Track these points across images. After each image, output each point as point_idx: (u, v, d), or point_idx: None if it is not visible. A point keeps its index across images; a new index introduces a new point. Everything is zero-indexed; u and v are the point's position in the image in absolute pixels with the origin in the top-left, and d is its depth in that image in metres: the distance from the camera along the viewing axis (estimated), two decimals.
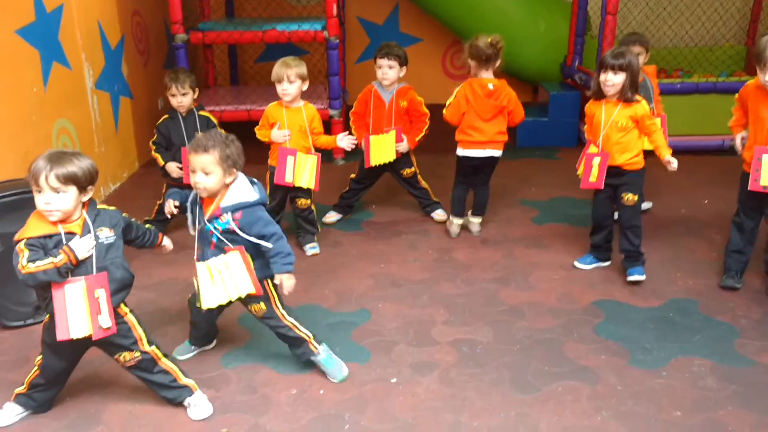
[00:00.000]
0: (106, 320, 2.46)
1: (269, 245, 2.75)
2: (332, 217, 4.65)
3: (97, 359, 2.91)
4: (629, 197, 3.66)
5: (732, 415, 2.70)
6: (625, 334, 3.27)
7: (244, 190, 2.77)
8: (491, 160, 4.24)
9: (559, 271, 3.93)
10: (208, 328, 3.14)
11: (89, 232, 2.46)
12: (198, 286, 2.79)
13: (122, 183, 5.52)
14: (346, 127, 5.36)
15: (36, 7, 4.29)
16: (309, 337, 2.94)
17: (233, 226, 2.72)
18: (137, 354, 2.62)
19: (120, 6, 5.61)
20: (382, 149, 4.34)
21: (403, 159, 4.48)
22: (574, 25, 6.52)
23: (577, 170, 3.78)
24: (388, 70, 4.27)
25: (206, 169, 2.67)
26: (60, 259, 2.36)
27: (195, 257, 2.84)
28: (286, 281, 2.79)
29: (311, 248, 4.19)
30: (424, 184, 4.66)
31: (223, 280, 2.75)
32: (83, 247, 2.42)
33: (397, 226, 4.61)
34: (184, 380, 2.74)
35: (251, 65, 7.94)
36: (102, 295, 2.45)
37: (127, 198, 5.17)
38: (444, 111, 4.18)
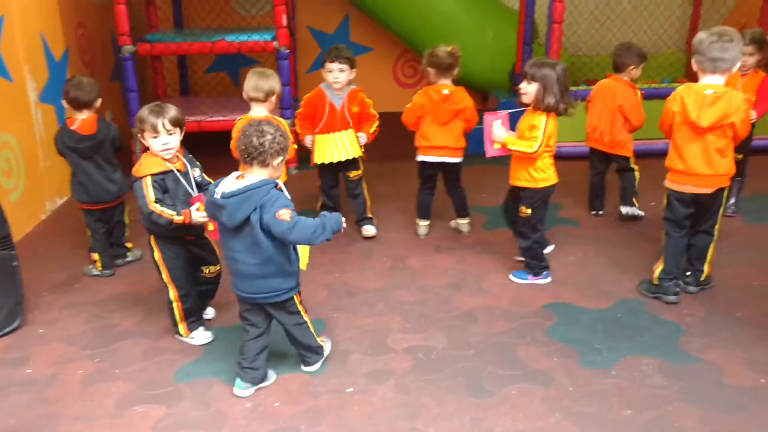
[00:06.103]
0: None
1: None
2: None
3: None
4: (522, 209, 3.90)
5: (679, 410, 2.78)
6: (575, 336, 3.34)
7: None
8: (450, 166, 4.40)
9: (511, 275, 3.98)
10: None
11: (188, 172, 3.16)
12: None
13: (69, 198, 5.38)
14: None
15: None
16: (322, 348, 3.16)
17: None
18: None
19: (63, 17, 5.49)
20: (334, 148, 4.32)
21: (353, 161, 4.45)
22: (521, 34, 6.65)
23: None
24: (339, 74, 4.27)
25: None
26: (179, 218, 3.03)
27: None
28: None
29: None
30: (366, 194, 4.62)
31: None
32: (198, 217, 3.06)
33: (351, 234, 4.61)
34: None
35: (201, 75, 7.86)
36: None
37: (75, 212, 5.04)
38: (402, 116, 4.34)
